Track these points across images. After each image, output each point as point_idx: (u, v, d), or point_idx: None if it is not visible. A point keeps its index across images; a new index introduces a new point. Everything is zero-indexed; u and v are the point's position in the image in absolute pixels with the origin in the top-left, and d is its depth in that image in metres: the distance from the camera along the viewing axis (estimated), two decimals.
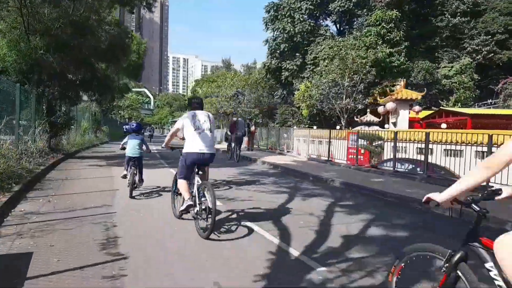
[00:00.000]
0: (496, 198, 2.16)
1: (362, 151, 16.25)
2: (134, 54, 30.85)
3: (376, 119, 24.42)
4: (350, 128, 23.67)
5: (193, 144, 5.36)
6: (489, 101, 28.24)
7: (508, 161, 1.91)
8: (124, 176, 8.33)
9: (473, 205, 2.13)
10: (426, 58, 30.08)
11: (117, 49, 18.10)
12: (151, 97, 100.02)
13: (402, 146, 14.76)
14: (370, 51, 26.99)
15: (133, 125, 8.54)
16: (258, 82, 51.88)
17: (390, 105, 17.55)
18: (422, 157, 12.90)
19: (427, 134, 10.16)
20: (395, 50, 27.76)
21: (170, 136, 5.97)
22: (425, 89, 22.97)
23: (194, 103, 5.75)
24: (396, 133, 12.72)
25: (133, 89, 45.19)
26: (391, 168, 11.77)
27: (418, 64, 28.08)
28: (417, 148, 14.26)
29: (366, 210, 7.34)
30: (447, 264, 2.26)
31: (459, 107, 25.83)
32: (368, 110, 24.92)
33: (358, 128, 24.64)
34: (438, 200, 2.16)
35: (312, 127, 26.31)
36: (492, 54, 28.04)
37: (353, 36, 29.57)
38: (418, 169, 10.82)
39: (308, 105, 29.79)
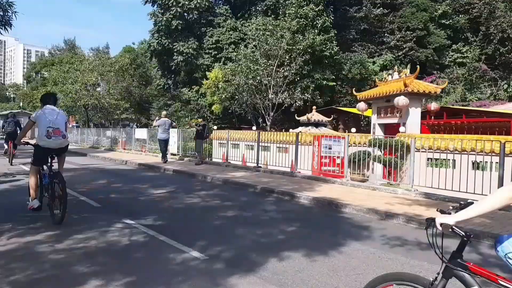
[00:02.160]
0: None
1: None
2: None
3: (325, 119, 19.72)
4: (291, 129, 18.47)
5: None
6: None
7: None
8: None
9: (456, 228, 1.93)
10: (341, 51, 26.90)
11: None
12: None
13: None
14: (302, 37, 22.05)
15: None
16: (125, 68, 41.98)
17: (402, 101, 12.66)
18: None
19: None
20: (326, 38, 23.52)
21: None
22: (446, 80, 19.22)
23: None
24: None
25: None
26: None
27: (351, 56, 24.55)
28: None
29: None
30: None
31: None
32: (314, 107, 19.99)
33: (301, 128, 19.57)
34: (451, 223, 1.92)
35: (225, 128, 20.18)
36: (413, 51, 26.45)
37: (272, 18, 24.06)
38: None
39: (222, 99, 23.20)
